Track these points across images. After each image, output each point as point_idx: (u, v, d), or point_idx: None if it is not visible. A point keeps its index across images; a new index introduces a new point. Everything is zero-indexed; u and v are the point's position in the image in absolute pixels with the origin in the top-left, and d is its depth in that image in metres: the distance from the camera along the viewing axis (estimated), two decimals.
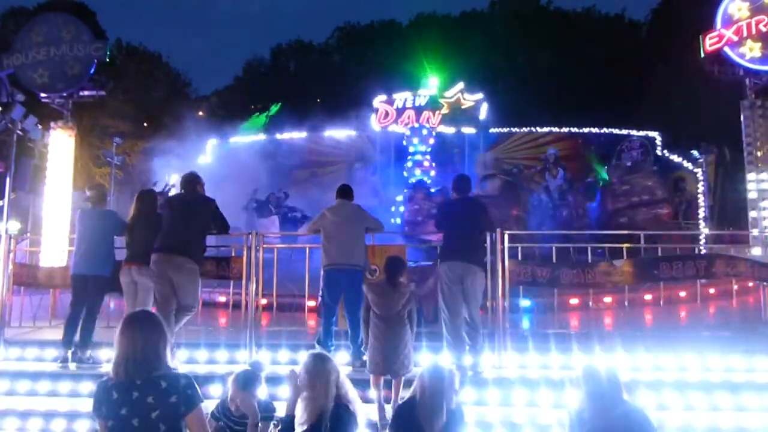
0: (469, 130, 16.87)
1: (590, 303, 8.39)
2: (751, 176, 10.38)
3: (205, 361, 6.31)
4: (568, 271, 6.39)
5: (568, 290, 6.93)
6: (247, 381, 4.16)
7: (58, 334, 6.41)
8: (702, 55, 10.88)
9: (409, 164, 16.15)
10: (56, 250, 9.98)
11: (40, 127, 13.54)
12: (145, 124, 27.53)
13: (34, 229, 14.71)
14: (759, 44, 10.38)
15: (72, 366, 6.15)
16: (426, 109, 16.76)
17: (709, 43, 10.74)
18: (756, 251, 9.30)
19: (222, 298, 8.67)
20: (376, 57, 27.46)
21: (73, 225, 8.34)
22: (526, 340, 6.14)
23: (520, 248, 6.54)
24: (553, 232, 10.83)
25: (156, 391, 2.54)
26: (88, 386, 5.75)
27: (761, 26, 10.37)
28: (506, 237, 6.17)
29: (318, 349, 5.28)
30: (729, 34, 10.55)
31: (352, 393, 3.73)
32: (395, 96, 17.31)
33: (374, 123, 17.35)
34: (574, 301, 8.79)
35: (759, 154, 10.32)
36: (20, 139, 14.59)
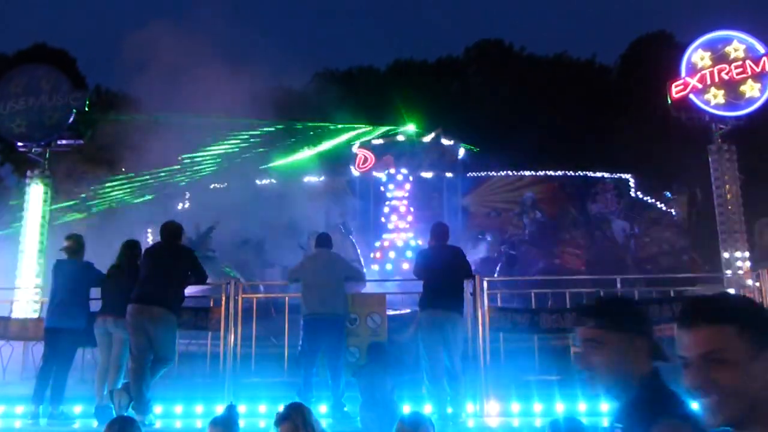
0: (447, 173, 17.08)
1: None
2: (721, 218, 10.63)
3: (182, 414, 6.16)
4: (547, 316, 6.44)
5: (547, 335, 6.95)
6: (225, 422, 4.06)
7: (28, 388, 6.21)
8: (669, 101, 11.27)
9: (386, 209, 16.21)
10: (29, 301, 9.75)
11: (15, 174, 13.42)
12: (123, 170, 27.30)
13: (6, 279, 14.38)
14: (722, 91, 10.76)
15: (42, 422, 5.95)
16: (404, 154, 16.95)
17: (675, 91, 11.11)
18: (730, 292, 9.44)
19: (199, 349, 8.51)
20: (355, 102, 27.86)
21: (46, 275, 8.18)
22: (509, 387, 6.12)
23: (499, 295, 6.59)
24: (535, 278, 10.90)
25: None
26: None
27: (723, 74, 10.78)
28: (485, 284, 6.22)
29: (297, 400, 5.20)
30: (693, 82, 10.95)
31: None
32: (374, 141, 17.50)
33: (353, 168, 17.47)
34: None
35: (728, 196, 10.60)
36: None
